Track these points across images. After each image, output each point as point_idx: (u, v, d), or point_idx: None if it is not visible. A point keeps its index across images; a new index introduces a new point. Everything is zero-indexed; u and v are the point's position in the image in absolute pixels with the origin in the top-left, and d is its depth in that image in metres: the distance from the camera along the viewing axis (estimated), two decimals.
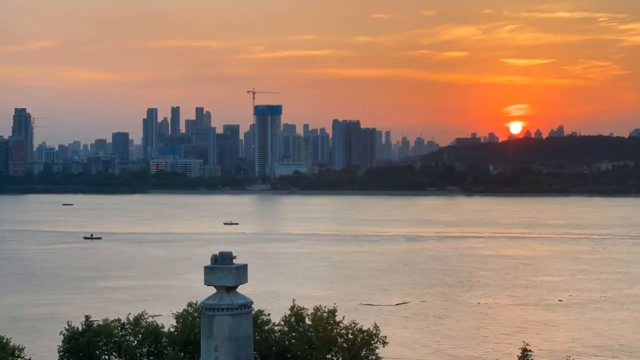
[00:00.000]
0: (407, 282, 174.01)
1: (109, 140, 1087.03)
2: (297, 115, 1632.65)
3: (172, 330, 54.70)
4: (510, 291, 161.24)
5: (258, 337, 50.73)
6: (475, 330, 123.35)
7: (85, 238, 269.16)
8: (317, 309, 54.32)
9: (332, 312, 54.28)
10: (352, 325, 54.10)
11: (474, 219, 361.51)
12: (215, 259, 34.21)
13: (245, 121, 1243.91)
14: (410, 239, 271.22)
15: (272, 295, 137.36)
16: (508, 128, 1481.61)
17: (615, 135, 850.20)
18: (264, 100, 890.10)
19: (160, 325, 55.08)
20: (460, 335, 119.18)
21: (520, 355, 47.00)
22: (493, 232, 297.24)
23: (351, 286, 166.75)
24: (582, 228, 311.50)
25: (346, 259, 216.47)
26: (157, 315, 56.57)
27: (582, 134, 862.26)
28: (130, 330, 54.73)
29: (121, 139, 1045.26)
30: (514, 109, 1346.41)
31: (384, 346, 54.39)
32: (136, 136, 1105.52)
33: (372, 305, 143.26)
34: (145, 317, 55.58)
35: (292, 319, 53.94)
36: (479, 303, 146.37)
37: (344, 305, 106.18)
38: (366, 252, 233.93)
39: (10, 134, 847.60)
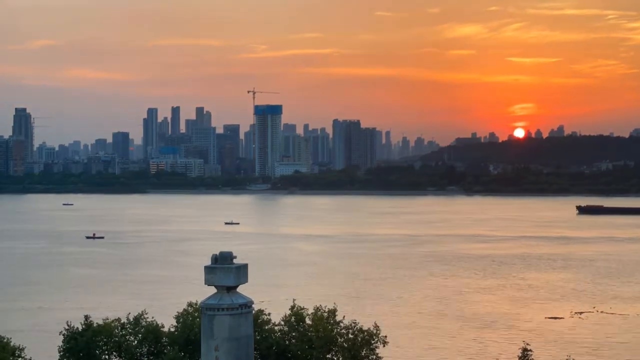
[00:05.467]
0: None
1: (109, 140, 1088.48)
2: (297, 115, 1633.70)
3: (172, 330, 54.71)
4: None
5: (258, 337, 50.72)
6: None
7: (88, 238, 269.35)
8: (317, 309, 54.29)
9: (332, 312, 54.24)
10: (353, 325, 54.06)
11: None
12: (215, 258, 34.20)
13: (245, 121, 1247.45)
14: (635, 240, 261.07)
15: (272, 295, 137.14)
16: (514, 128, 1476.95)
17: (615, 135, 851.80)
18: (264, 100, 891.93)
19: (160, 325, 55.10)
20: None
21: (520, 355, 47.00)
22: None
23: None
24: None
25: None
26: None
27: (582, 134, 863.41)
28: (130, 330, 54.74)
29: (121, 139, 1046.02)
30: (519, 109, 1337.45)
31: (384, 346, 54.35)
32: (136, 136, 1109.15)
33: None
34: (145, 316, 55.60)
35: (292, 318, 53.92)
36: None
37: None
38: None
39: (10, 134, 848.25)
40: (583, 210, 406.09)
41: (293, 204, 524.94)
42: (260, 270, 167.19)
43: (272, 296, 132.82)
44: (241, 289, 34.45)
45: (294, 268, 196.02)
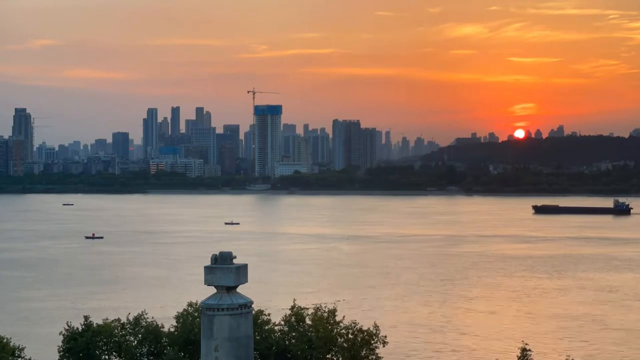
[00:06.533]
0: None
1: (109, 140, 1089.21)
2: (297, 115, 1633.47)
3: (172, 330, 54.73)
4: None
5: (258, 337, 50.73)
6: None
7: (87, 238, 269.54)
8: (317, 309, 54.31)
9: (332, 312, 54.26)
10: (352, 325, 54.09)
11: None
12: (215, 259, 34.17)
13: (245, 121, 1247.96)
14: None
15: (273, 294, 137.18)
16: (514, 128, 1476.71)
17: (615, 135, 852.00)
18: (264, 100, 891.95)
19: (160, 325, 55.10)
20: None
21: (520, 355, 46.98)
22: None
23: None
24: None
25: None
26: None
27: (582, 134, 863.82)
28: (130, 330, 54.79)
29: (121, 139, 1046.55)
30: (519, 109, 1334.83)
31: (384, 346, 54.37)
32: (136, 136, 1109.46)
33: None
34: (145, 317, 55.62)
35: (292, 318, 53.95)
36: None
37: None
38: None
39: (10, 134, 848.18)
40: (539, 210, 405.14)
41: (295, 203, 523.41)
42: (261, 270, 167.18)
43: (273, 296, 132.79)
44: (241, 289, 34.41)
45: (353, 269, 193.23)
